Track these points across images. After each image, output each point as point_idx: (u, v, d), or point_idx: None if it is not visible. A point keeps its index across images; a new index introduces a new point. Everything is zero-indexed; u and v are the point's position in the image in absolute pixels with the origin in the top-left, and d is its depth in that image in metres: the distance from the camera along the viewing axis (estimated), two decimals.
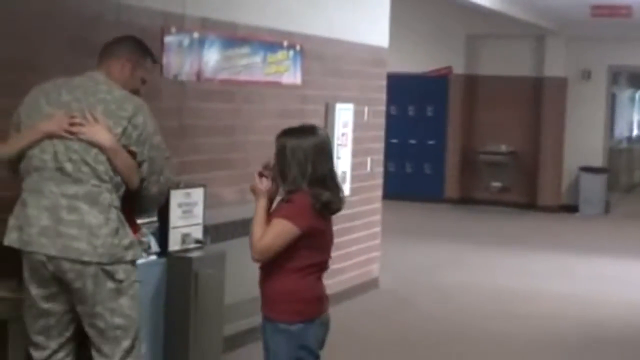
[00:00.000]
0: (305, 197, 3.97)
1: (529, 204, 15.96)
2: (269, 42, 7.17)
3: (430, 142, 16.52)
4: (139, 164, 4.07)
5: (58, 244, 3.90)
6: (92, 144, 3.94)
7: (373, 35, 8.94)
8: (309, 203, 3.96)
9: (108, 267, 3.96)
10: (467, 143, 16.40)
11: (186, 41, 6.20)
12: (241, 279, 6.21)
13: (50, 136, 3.96)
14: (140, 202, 4.22)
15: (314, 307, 4.11)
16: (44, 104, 4.02)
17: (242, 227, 6.43)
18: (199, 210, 5.58)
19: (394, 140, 16.39)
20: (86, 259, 3.90)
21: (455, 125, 16.39)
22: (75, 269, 3.91)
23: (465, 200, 16.26)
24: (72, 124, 3.93)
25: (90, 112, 3.97)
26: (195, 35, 6.30)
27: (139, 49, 4.34)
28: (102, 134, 3.94)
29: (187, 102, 6.26)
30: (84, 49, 5.36)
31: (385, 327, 7.87)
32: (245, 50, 6.89)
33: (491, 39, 16.05)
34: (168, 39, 5.97)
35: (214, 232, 6.07)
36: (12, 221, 4.04)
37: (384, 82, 9.26)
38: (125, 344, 4.07)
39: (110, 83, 4.11)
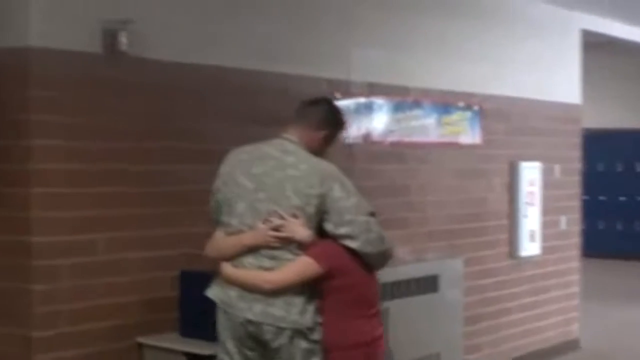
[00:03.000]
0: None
1: None
2: (442, 103, 7.30)
3: None
4: (339, 235, 4.11)
5: (256, 308, 4.10)
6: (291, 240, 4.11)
7: (563, 93, 8.86)
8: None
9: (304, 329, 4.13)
10: None
11: (352, 106, 6.45)
12: (407, 338, 6.30)
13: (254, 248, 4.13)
14: (368, 263, 4.24)
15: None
16: (239, 174, 4.19)
17: (410, 286, 6.54)
18: None
19: (622, 198, 16.00)
20: (282, 325, 4.08)
21: None
22: (273, 331, 4.10)
23: None
24: (273, 229, 4.06)
25: (293, 213, 4.07)
26: (362, 99, 6.54)
27: (335, 121, 4.44)
28: (300, 232, 4.08)
29: (356, 163, 6.47)
30: (250, 118, 5.75)
31: None
32: (416, 112, 7.05)
33: None
34: None
35: (384, 289, 6.17)
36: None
37: (577, 139, 9.13)
38: None
39: (299, 152, 4.20)
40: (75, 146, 4.83)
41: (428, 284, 6.78)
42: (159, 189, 5.24)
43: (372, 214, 4.17)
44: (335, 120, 4.44)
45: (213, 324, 4.53)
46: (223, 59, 5.58)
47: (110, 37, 4.94)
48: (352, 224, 4.06)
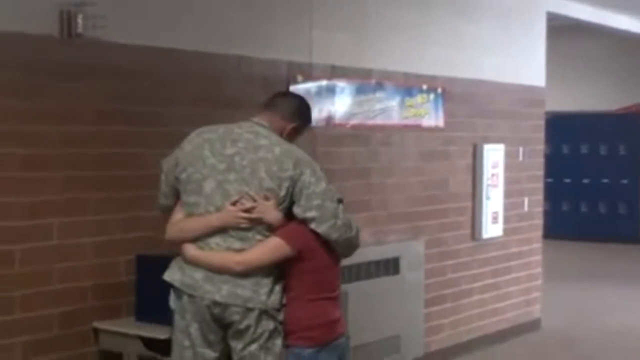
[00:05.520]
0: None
1: None
2: (405, 86, 7.30)
3: (624, 182, 16.01)
4: (306, 219, 4.12)
5: (224, 290, 4.09)
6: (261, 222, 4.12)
7: (527, 75, 8.88)
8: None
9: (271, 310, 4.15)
10: None
11: (314, 89, 6.43)
12: (367, 321, 6.33)
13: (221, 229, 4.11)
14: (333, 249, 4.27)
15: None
16: (209, 155, 4.15)
17: (370, 268, 6.58)
18: None
19: (586, 181, 16.14)
20: (250, 305, 4.09)
21: None
22: (241, 312, 4.11)
23: None
24: (244, 210, 4.06)
25: (265, 194, 4.07)
26: (324, 82, 6.53)
27: (306, 115, 4.47)
28: (271, 214, 4.10)
29: (317, 147, 6.45)
30: (209, 101, 5.72)
31: None
32: (379, 95, 7.04)
33: None
34: (293, 87, 6.21)
35: (344, 272, 6.18)
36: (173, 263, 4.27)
37: (541, 122, 9.17)
38: None
39: (271, 136, 4.21)
40: (30, 130, 4.78)
41: (389, 266, 6.84)
42: (115, 172, 5.21)
43: (340, 201, 4.20)
44: (306, 115, 4.48)
45: (168, 308, 4.52)
46: (180, 42, 5.54)
47: (66, 19, 4.89)
48: (320, 209, 4.10)
